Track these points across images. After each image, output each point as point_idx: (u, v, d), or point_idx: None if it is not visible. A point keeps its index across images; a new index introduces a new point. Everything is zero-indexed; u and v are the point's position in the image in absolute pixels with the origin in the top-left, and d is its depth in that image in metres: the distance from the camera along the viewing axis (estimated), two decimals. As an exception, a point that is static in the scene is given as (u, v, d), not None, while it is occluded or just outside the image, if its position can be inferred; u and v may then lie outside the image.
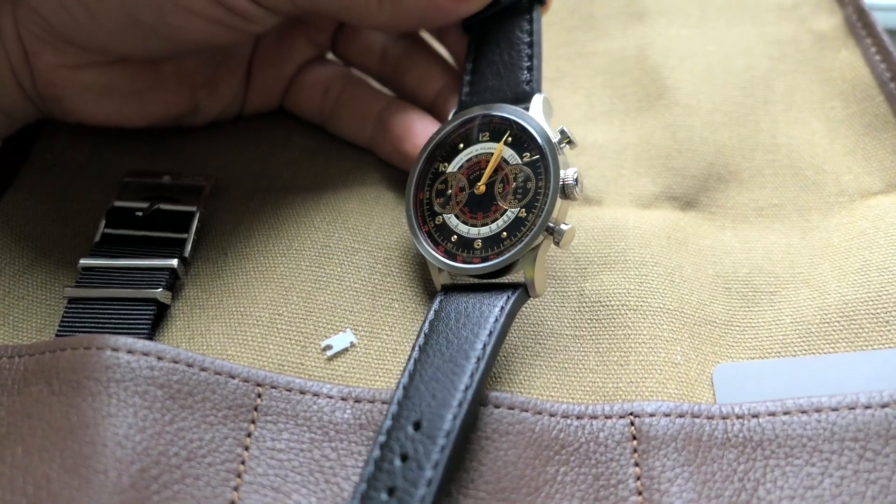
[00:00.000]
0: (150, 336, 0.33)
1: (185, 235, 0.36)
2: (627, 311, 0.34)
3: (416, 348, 0.31)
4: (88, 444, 0.28)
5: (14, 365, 0.30)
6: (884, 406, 0.30)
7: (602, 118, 0.42)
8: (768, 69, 0.43)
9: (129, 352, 0.30)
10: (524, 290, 0.32)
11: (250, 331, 0.33)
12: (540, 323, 0.34)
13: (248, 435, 0.30)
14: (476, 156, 0.34)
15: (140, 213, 0.36)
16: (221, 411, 0.30)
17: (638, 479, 0.29)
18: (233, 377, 0.31)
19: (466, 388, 0.29)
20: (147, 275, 0.34)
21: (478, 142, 0.35)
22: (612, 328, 0.34)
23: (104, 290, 0.34)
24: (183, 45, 0.35)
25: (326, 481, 0.29)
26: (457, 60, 0.40)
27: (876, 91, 0.41)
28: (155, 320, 0.33)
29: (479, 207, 0.33)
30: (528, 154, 0.33)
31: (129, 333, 0.32)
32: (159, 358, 0.30)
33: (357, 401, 0.31)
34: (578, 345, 0.34)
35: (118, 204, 0.37)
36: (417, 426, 0.28)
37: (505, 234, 0.32)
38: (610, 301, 0.35)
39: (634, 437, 0.30)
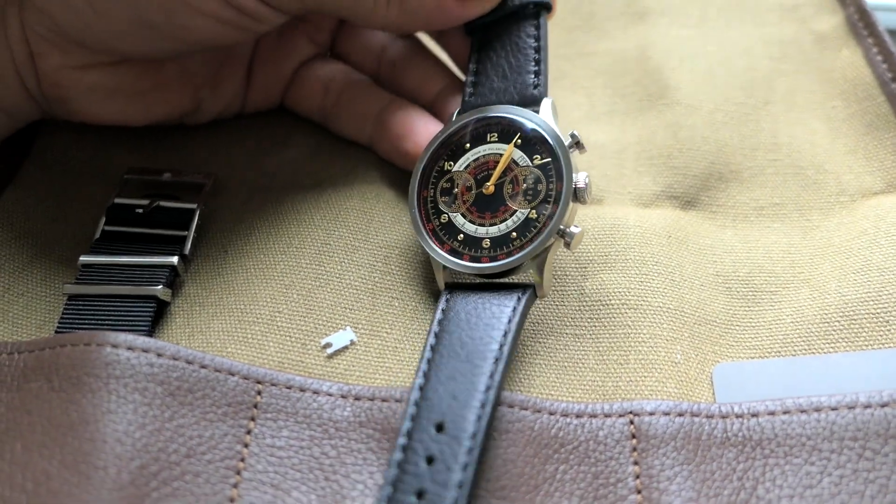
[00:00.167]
0: (150, 333, 0.33)
1: (185, 233, 0.36)
2: (627, 310, 0.34)
3: (428, 348, 0.31)
4: (88, 440, 0.28)
5: (14, 361, 0.30)
6: (883, 406, 0.30)
7: (603, 118, 0.42)
8: (769, 69, 0.43)
9: (129, 348, 0.30)
10: (533, 291, 0.33)
11: (250, 328, 0.33)
12: (540, 321, 0.34)
13: (248, 432, 0.30)
14: (484, 156, 0.34)
15: (140, 211, 0.36)
16: (221, 408, 0.30)
17: (637, 477, 0.29)
18: (232, 374, 0.31)
19: (488, 389, 0.29)
20: (147, 272, 0.34)
21: (486, 142, 0.35)
22: (612, 327, 0.34)
23: (104, 287, 0.34)
24: (190, 45, 0.35)
25: (326, 479, 0.29)
26: (456, 63, 0.40)
27: (877, 91, 0.41)
28: (155, 317, 0.33)
29: (487, 207, 0.34)
30: (539, 157, 0.33)
31: (128, 330, 0.32)
32: (159, 355, 0.30)
33: (357, 398, 0.31)
34: (578, 343, 0.34)
35: (118, 201, 0.37)
36: (440, 428, 0.28)
37: (514, 234, 0.33)
38: (610, 300, 0.35)
39: (634, 436, 0.30)
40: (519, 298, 0.32)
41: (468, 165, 0.35)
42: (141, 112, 0.38)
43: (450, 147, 0.35)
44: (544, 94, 0.36)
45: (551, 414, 0.30)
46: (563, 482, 0.29)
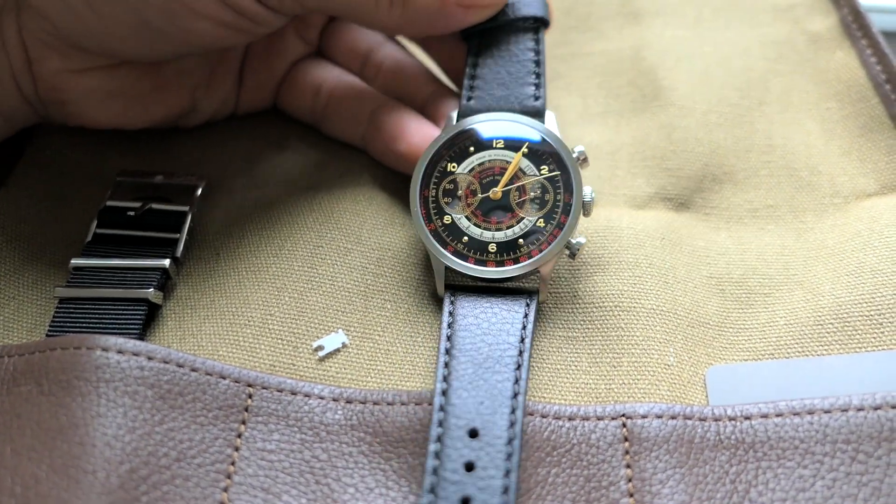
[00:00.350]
0: (142, 336, 0.33)
1: (177, 235, 0.36)
2: (620, 313, 0.34)
3: (444, 352, 0.31)
4: (77, 444, 0.28)
5: (3, 365, 0.30)
6: (876, 408, 0.29)
7: (597, 119, 0.42)
8: (764, 70, 0.43)
9: (120, 352, 0.30)
10: (535, 296, 0.33)
11: (242, 331, 0.33)
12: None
13: (239, 436, 0.30)
14: (490, 161, 0.35)
15: (132, 213, 0.36)
16: (212, 412, 0.30)
17: (630, 480, 0.29)
18: (223, 377, 0.31)
19: (516, 395, 0.30)
20: (138, 275, 0.34)
21: (492, 147, 0.35)
22: (605, 329, 0.34)
23: (95, 290, 0.34)
24: (190, 47, 0.35)
25: (317, 482, 0.29)
26: (443, 70, 0.41)
27: (871, 92, 0.41)
28: (146, 320, 0.33)
29: (493, 212, 0.34)
30: (546, 167, 0.34)
31: (119, 333, 0.32)
32: (149, 358, 0.30)
33: (349, 402, 0.31)
34: (571, 346, 0.34)
35: (110, 204, 0.37)
36: (474, 434, 0.29)
37: (521, 241, 0.33)
38: (603, 302, 0.34)
39: (626, 439, 0.30)
40: (528, 304, 0.33)
41: (472, 169, 0.35)
42: (139, 115, 0.38)
43: (453, 149, 0.35)
44: (545, 107, 0.36)
45: (543, 417, 0.30)
46: (556, 485, 0.29)
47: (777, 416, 0.30)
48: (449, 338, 0.31)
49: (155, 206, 0.37)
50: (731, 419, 0.30)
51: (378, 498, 0.29)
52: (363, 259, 0.36)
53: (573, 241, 0.34)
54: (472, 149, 0.35)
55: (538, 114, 0.36)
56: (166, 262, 0.34)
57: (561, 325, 0.34)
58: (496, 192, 0.34)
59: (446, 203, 0.34)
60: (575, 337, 0.34)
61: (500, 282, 0.33)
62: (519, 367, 0.31)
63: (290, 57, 0.41)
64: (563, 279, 0.35)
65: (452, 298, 0.33)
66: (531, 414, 0.30)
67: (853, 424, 0.29)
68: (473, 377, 0.30)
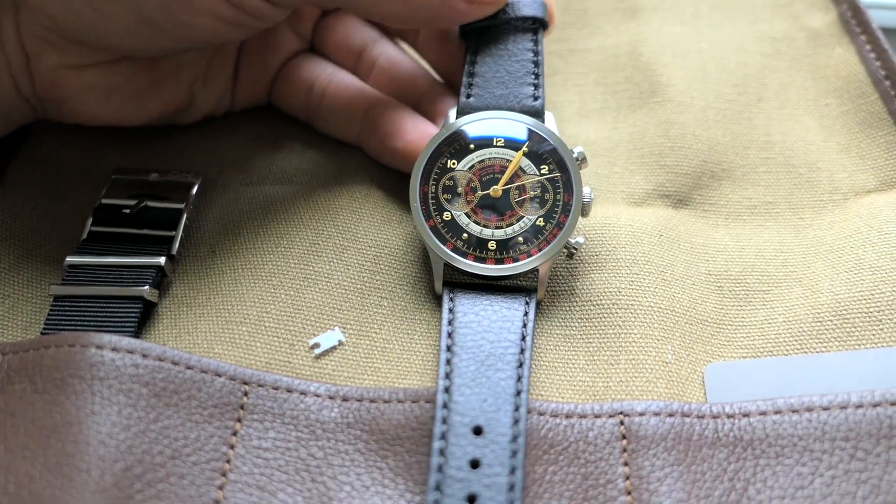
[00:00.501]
0: (137, 334, 0.33)
1: (172, 233, 0.36)
2: (618, 310, 0.34)
3: (445, 349, 0.31)
4: (72, 442, 0.28)
5: (-2, 363, 0.30)
6: (875, 405, 0.29)
7: (594, 115, 0.42)
8: (762, 66, 0.43)
9: (114, 349, 0.30)
10: (534, 294, 0.33)
11: (238, 329, 0.33)
12: (530, 321, 0.34)
13: (234, 433, 0.30)
14: (490, 159, 0.35)
15: (128, 211, 0.36)
16: (207, 409, 0.30)
17: (627, 478, 0.29)
18: (219, 375, 0.30)
19: (519, 393, 0.30)
20: (134, 272, 0.34)
21: (492, 146, 0.35)
22: (603, 327, 0.34)
23: (90, 288, 0.33)
24: (190, 42, 0.35)
25: (313, 480, 0.29)
26: (437, 70, 0.40)
27: (870, 89, 0.41)
28: (142, 318, 0.33)
29: (493, 210, 0.34)
30: (546, 167, 0.34)
31: (115, 331, 0.32)
32: (144, 356, 0.30)
33: (345, 399, 0.31)
34: (568, 344, 0.33)
35: (106, 201, 0.36)
36: (478, 431, 0.29)
37: (521, 239, 0.33)
38: (601, 300, 0.34)
39: (624, 437, 0.30)
40: (527, 303, 0.33)
41: (472, 166, 0.35)
42: (136, 111, 0.38)
43: (454, 145, 0.35)
44: (544, 108, 0.36)
45: (541, 415, 0.30)
46: (553, 483, 0.29)
47: (775, 413, 0.30)
48: (450, 335, 0.31)
49: (150, 203, 0.36)
50: (729, 416, 0.30)
51: (374, 496, 0.29)
52: (360, 256, 0.35)
53: (572, 240, 0.34)
54: (472, 146, 0.35)
55: (537, 114, 0.36)
56: (162, 260, 0.34)
57: (558, 323, 0.34)
58: (497, 189, 0.34)
59: (446, 200, 0.34)
60: (572, 335, 0.34)
61: (499, 280, 0.33)
62: (521, 364, 0.31)
63: (285, 52, 0.41)
64: (560, 277, 0.35)
65: (452, 295, 0.33)
66: (529, 412, 0.30)
67: (852, 422, 0.29)
68: (476, 374, 0.30)
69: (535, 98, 0.36)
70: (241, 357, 0.32)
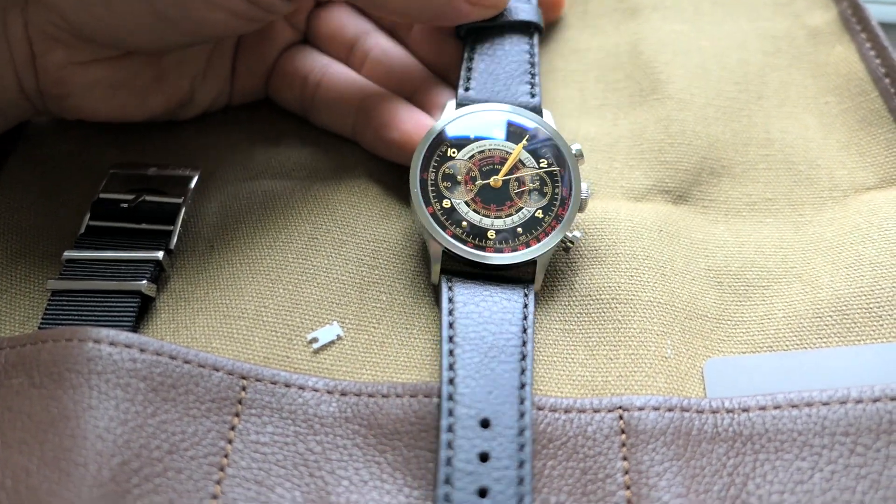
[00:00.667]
0: (135, 329, 0.32)
1: (170, 227, 0.35)
2: (618, 305, 0.34)
3: (447, 340, 0.31)
4: (69, 436, 0.28)
5: (-5, 357, 0.30)
6: (875, 400, 0.29)
7: (595, 111, 0.42)
8: (762, 64, 0.43)
9: (112, 344, 0.30)
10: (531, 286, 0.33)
11: (236, 323, 0.33)
12: (529, 316, 0.34)
13: (232, 428, 0.30)
14: (490, 150, 0.35)
15: (126, 205, 0.36)
16: (205, 404, 0.30)
17: (626, 473, 0.29)
18: (217, 370, 0.30)
19: (524, 386, 0.30)
20: (132, 267, 0.34)
21: (491, 137, 0.35)
22: (602, 322, 0.34)
23: (88, 283, 0.33)
24: (200, 37, 0.35)
25: (311, 475, 0.29)
26: (427, 64, 0.41)
27: (870, 86, 0.41)
28: (139, 313, 0.33)
29: (493, 200, 0.34)
30: (545, 161, 0.35)
31: (112, 326, 0.32)
32: (142, 350, 0.30)
33: (343, 394, 0.31)
34: (568, 339, 0.33)
35: (104, 196, 0.36)
36: (486, 424, 0.29)
37: (520, 230, 0.33)
38: (600, 295, 0.34)
39: (623, 431, 0.30)
40: (526, 295, 0.33)
41: (472, 156, 0.35)
42: (139, 106, 0.38)
43: (454, 134, 0.35)
44: (542, 105, 0.37)
45: (540, 409, 0.30)
46: (552, 478, 0.29)
47: (775, 408, 0.30)
48: (451, 325, 0.31)
49: (148, 197, 0.36)
50: (728, 411, 0.30)
51: (372, 490, 0.29)
52: (358, 251, 0.35)
53: (569, 234, 0.34)
54: (472, 136, 0.35)
55: (535, 110, 0.37)
56: (160, 254, 0.34)
57: (558, 318, 0.34)
58: (497, 180, 0.34)
59: (446, 187, 0.34)
60: (572, 329, 0.34)
61: (498, 269, 0.33)
62: (524, 357, 0.31)
63: (280, 43, 0.41)
64: (560, 271, 0.35)
65: (450, 285, 0.33)
66: (528, 406, 0.30)
67: (852, 417, 0.29)
68: (480, 366, 0.30)
69: (533, 95, 0.37)
70: (239, 352, 0.32)
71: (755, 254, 0.36)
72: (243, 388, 0.30)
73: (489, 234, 0.33)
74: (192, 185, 0.37)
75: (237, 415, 0.30)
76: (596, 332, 0.33)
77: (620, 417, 0.30)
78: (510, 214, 0.34)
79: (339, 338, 0.33)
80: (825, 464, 0.28)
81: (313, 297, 0.34)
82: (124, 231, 0.35)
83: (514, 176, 0.34)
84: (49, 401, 0.28)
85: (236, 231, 0.36)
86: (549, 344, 0.33)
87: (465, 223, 0.34)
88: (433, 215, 0.34)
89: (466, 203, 0.34)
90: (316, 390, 0.31)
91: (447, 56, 0.40)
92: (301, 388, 0.31)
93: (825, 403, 0.29)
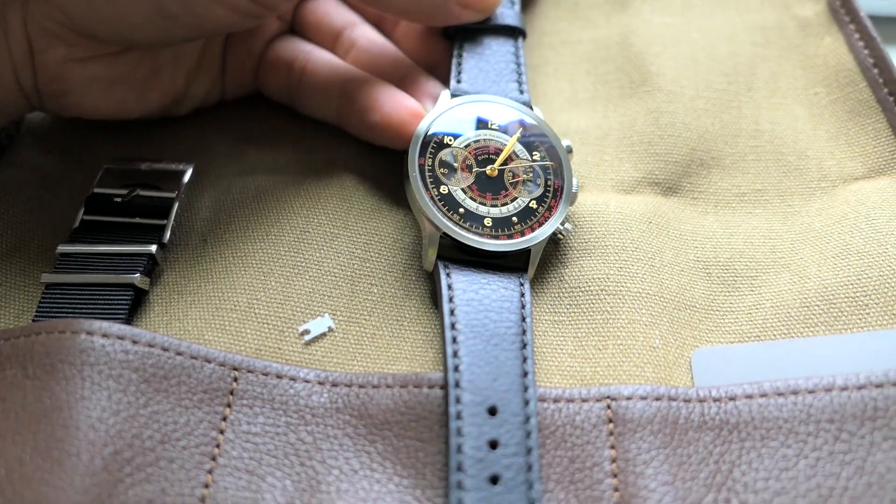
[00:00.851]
0: (128, 321, 0.33)
1: (164, 221, 0.36)
2: (606, 296, 0.34)
3: (450, 327, 0.31)
4: (62, 426, 0.28)
5: (-11, 349, 0.30)
6: (860, 388, 0.29)
7: (585, 104, 0.42)
8: (752, 55, 0.43)
9: (104, 335, 0.30)
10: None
11: (228, 315, 0.33)
12: (519, 307, 0.34)
13: (224, 418, 0.30)
14: (485, 140, 0.36)
15: (119, 200, 0.36)
16: (197, 395, 0.30)
17: (613, 461, 0.29)
18: (209, 361, 0.31)
19: (526, 374, 0.30)
20: (125, 260, 0.34)
21: (487, 128, 0.36)
22: (591, 313, 0.34)
23: (82, 276, 0.34)
24: (202, 33, 0.35)
25: (301, 464, 0.29)
26: (412, 59, 0.41)
27: (859, 77, 0.41)
28: (133, 306, 0.33)
29: (489, 188, 0.35)
30: (538, 153, 0.36)
31: (106, 318, 0.32)
32: (134, 342, 0.30)
33: (334, 385, 0.31)
34: (557, 329, 0.34)
35: (97, 190, 0.37)
36: (493, 412, 0.29)
37: (515, 219, 0.34)
38: (589, 286, 0.35)
39: (611, 420, 0.30)
40: (522, 283, 0.33)
41: (468, 145, 0.35)
42: (137, 102, 0.38)
43: (451, 123, 0.36)
44: (531, 103, 0.38)
45: (528, 399, 0.30)
46: (540, 466, 0.29)
47: (761, 396, 0.30)
48: (452, 312, 0.32)
49: (142, 192, 0.37)
50: (715, 400, 0.30)
51: (362, 479, 0.29)
52: (350, 244, 0.36)
53: (561, 226, 0.34)
54: (467, 126, 0.36)
55: (525, 105, 0.37)
56: (153, 248, 0.34)
57: (547, 309, 0.34)
58: (493, 169, 0.35)
59: (442, 174, 0.35)
60: (561, 320, 0.34)
61: (493, 256, 0.34)
62: (524, 345, 0.31)
63: (267, 34, 0.41)
64: (550, 263, 0.35)
65: (448, 272, 0.33)
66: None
67: (837, 404, 0.29)
68: (484, 354, 0.30)
69: (521, 92, 0.38)
70: (231, 344, 0.32)
71: (744, 244, 0.36)
72: (235, 380, 0.31)
73: (486, 221, 0.34)
74: (186, 179, 0.37)
75: (229, 405, 0.30)
76: (585, 323, 0.34)
77: (608, 407, 0.30)
78: (505, 203, 0.34)
79: (330, 330, 0.33)
80: (810, 450, 0.29)
81: (305, 289, 0.34)
82: (118, 225, 0.36)
83: (509, 166, 0.35)
84: (42, 392, 0.29)
85: (229, 225, 0.36)
86: (538, 334, 0.33)
87: (462, 209, 0.34)
88: (431, 200, 0.34)
89: (463, 190, 0.34)
90: (307, 381, 0.31)
91: (433, 53, 0.40)
92: (292, 379, 0.31)
93: (811, 391, 0.30)
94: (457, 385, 0.29)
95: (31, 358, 0.30)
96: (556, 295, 0.35)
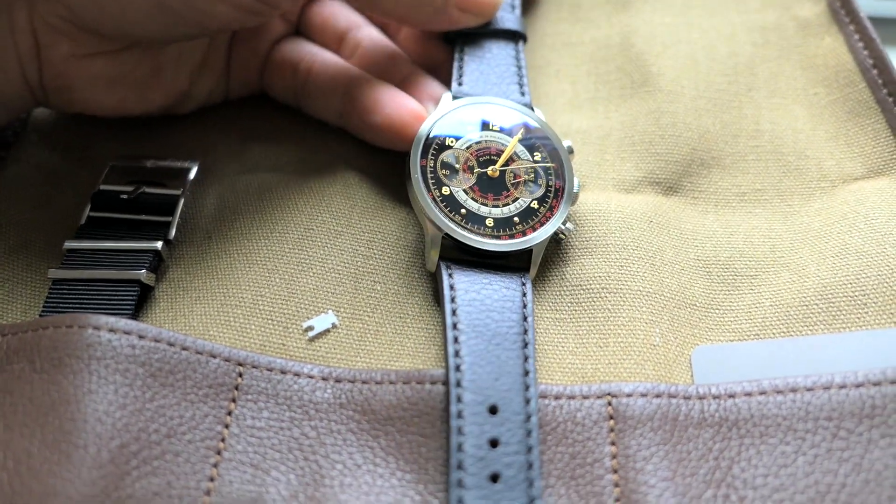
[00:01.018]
0: (134, 317, 0.33)
1: (169, 218, 0.36)
2: (607, 294, 0.34)
3: (452, 326, 0.31)
4: (69, 420, 0.28)
5: (-2, 344, 0.31)
6: (858, 386, 0.30)
7: (586, 104, 0.42)
8: (752, 56, 0.43)
9: (111, 330, 0.30)
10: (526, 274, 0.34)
11: (233, 312, 0.34)
12: (520, 305, 0.35)
13: (229, 413, 0.30)
14: (486, 141, 0.36)
15: (125, 197, 0.37)
16: (202, 390, 0.30)
17: (614, 457, 0.29)
18: (214, 357, 0.31)
19: (527, 374, 0.30)
20: (131, 256, 0.35)
21: (488, 129, 0.36)
22: (592, 311, 0.34)
23: (88, 272, 0.34)
24: (204, 29, 0.36)
25: (305, 458, 0.30)
26: (413, 62, 0.41)
27: (858, 77, 0.41)
28: (139, 301, 0.34)
29: (490, 189, 0.35)
30: (539, 154, 0.36)
31: (112, 314, 0.32)
32: (141, 337, 0.30)
33: (338, 381, 0.31)
34: (558, 327, 0.34)
35: (104, 188, 0.37)
36: (494, 410, 0.29)
37: (517, 219, 0.34)
38: (590, 284, 0.35)
39: (611, 417, 0.30)
40: (523, 283, 0.33)
41: (470, 146, 0.36)
42: (140, 100, 0.38)
43: (452, 124, 0.36)
44: (532, 105, 0.39)
45: (530, 395, 0.31)
46: (541, 462, 0.29)
47: (760, 394, 0.30)
48: (454, 312, 0.32)
49: (148, 189, 0.37)
50: (715, 398, 0.31)
51: (365, 474, 0.29)
52: (353, 241, 0.36)
53: (563, 226, 0.35)
54: (468, 127, 0.36)
55: (526, 107, 0.38)
56: (159, 245, 0.35)
57: (548, 307, 0.34)
58: (494, 170, 0.35)
59: (444, 175, 0.35)
60: (562, 318, 0.34)
61: (495, 257, 0.34)
62: (526, 344, 0.31)
63: (272, 35, 0.41)
64: (551, 261, 0.36)
65: (450, 272, 0.33)
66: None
67: (835, 402, 0.30)
68: (485, 353, 0.31)
69: (523, 94, 0.39)
70: (235, 339, 0.33)
71: (744, 244, 0.37)
72: (240, 375, 0.31)
73: (487, 222, 0.34)
74: (191, 177, 0.38)
75: (234, 400, 0.30)
76: (586, 321, 0.34)
77: (609, 404, 0.31)
78: (507, 204, 0.35)
79: (334, 326, 0.33)
80: (808, 448, 0.29)
81: (309, 286, 0.34)
82: (124, 222, 0.36)
83: (511, 167, 0.35)
84: (50, 385, 0.29)
85: (233, 222, 0.37)
86: (539, 332, 0.34)
87: (463, 210, 0.34)
88: (433, 201, 0.34)
89: (465, 191, 0.35)
90: (311, 377, 0.31)
91: (435, 56, 0.41)
92: (297, 374, 0.31)
93: (809, 389, 0.30)
94: (458, 384, 0.30)
95: (39, 352, 0.30)
96: (558, 293, 0.35)
